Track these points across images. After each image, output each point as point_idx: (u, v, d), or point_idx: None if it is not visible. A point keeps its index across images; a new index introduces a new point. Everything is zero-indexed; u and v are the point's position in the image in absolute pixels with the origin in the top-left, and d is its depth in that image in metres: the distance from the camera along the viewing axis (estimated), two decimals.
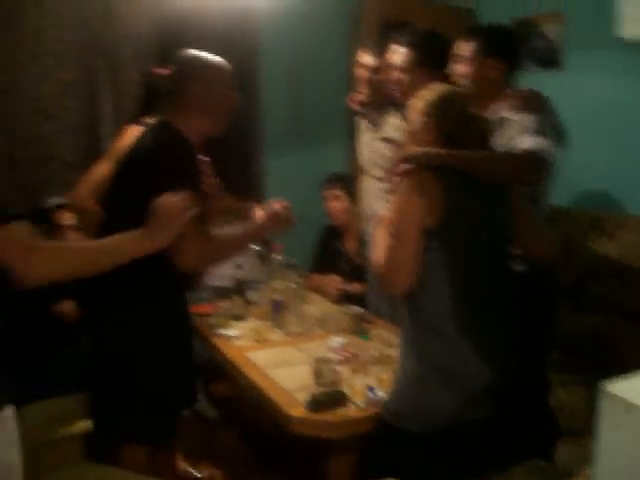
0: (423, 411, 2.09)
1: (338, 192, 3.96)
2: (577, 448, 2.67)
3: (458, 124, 2.17)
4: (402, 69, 3.10)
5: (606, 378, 1.04)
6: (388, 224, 2.09)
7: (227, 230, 2.48)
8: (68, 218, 3.56)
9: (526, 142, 2.43)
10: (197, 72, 2.33)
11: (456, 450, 2.08)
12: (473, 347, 2.07)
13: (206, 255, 2.25)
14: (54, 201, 3.91)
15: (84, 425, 2.74)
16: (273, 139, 5.15)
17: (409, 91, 3.06)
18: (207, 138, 2.39)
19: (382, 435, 2.19)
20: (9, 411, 1.74)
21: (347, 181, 4.03)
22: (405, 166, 2.08)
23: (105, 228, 2.36)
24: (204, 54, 2.39)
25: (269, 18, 4.93)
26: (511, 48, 2.82)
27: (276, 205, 2.57)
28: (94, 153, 4.48)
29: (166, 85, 2.40)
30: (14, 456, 1.77)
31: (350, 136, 5.39)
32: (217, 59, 2.40)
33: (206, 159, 2.49)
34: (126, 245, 1.97)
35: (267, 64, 5.07)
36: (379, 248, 2.12)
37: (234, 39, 4.93)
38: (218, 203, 2.70)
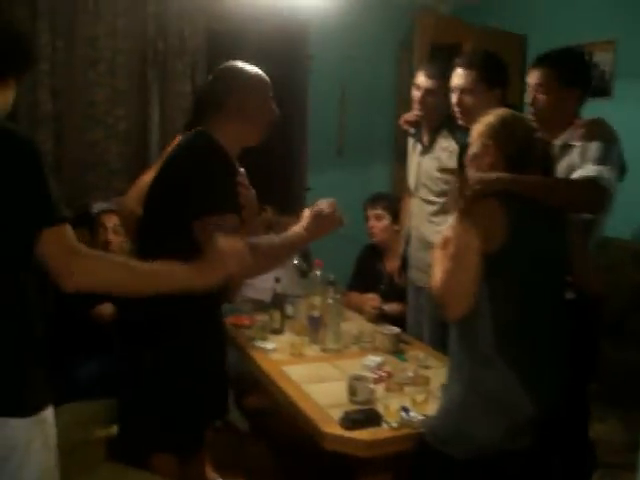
0: (466, 437, 2.06)
1: (380, 211, 3.96)
2: None
3: (520, 148, 2.15)
4: (462, 90, 3.10)
5: None
6: (447, 247, 2.08)
7: (270, 237, 2.42)
8: (114, 221, 3.61)
9: (589, 170, 2.40)
10: (236, 83, 2.32)
11: (496, 478, 2.06)
12: (524, 377, 2.04)
13: (249, 264, 2.15)
14: (100, 206, 3.97)
15: (109, 430, 2.76)
16: (318, 156, 5.19)
17: (471, 113, 3.07)
18: (245, 149, 2.39)
19: (422, 455, 2.17)
20: (49, 412, 1.76)
21: (390, 201, 4.03)
22: (469, 191, 2.06)
23: (141, 235, 2.41)
24: (244, 65, 2.38)
25: (320, 37, 4.99)
26: (587, 76, 2.80)
27: (323, 204, 2.46)
28: (140, 161, 4.58)
29: (206, 96, 2.40)
30: (52, 459, 1.78)
31: (395, 157, 5.42)
32: (256, 70, 2.38)
33: (242, 170, 2.48)
34: (174, 278, 1.91)
35: (316, 82, 5.12)
36: (437, 271, 2.11)
37: (284, 56, 4.99)
38: (254, 215, 2.65)
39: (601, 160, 2.44)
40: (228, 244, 1.99)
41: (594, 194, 2.34)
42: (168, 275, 1.91)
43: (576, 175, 2.43)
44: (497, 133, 2.14)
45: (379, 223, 3.95)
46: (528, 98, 2.74)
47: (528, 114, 2.64)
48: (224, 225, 2.10)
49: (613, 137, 2.57)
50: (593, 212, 2.47)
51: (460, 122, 3.17)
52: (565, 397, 2.15)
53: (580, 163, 2.47)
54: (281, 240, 2.39)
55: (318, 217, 2.40)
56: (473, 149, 2.22)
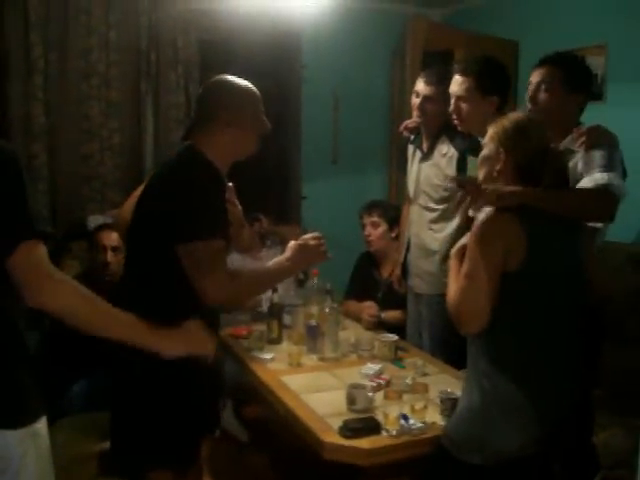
0: (483, 444, 2.06)
1: (376, 219, 3.95)
2: None
3: (532, 158, 2.10)
4: (459, 97, 3.11)
5: None
6: (462, 258, 2.06)
7: (254, 267, 2.41)
8: (113, 239, 3.53)
9: (598, 178, 2.39)
10: (226, 97, 2.32)
11: None
12: (543, 385, 2.05)
13: (232, 291, 2.20)
14: (96, 219, 3.96)
15: (102, 445, 2.75)
16: (313, 165, 5.19)
17: (467, 120, 3.08)
18: (236, 163, 2.39)
19: (440, 462, 2.17)
20: (43, 423, 1.76)
21: (385, 208, 4.03)
22: (487, 205, 2.03)
23: (129, 250, 2.41)
24: (233, 78, 2.37)
25: (312, 46, 5.00)
26: (590, 83, 2.80)
27: (308, 237, 2.45)
28: (135, 173, 4.58)
29: (197, 110, 2.40)
30: (47, 470, 1.78)
31: (390, 164, 5.43)
32: (246, 84, 2.38)
33: (230, 185, 2.48)
34: (135, 331, 1.92)
35: (309, 91, 5.12)
36: (452, 287, 2.10)
37: (278, 66, 5.01)
38: (241, 230, 2.65)
39: (607, 167, 2.43)
40: (194, 326, 2.07)
41: (606, 203, 2.31)
42: (130, 326, 1.91)
43: (584, 183, 2.40)
44: (510, 140, 2.10)
45: (375, 231, 3.95)
46: (527, 96, 2.73)
47: (526, 111, 2.63)
48: (209, 251, 2.11)
49: (615, 143, 2.57)
50: (604, 221, 2.44)
51: (459, 128, 3.18)
52: (575, 405, 2.16)
53: (585, 171, 2.46)
54: (264, 270, 2.39)
55: (303, 249, 2.39)
56: (485, 152, 2.19)
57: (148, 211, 2.28)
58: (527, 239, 1.97)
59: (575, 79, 2.67)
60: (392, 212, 3.97)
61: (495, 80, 3.06)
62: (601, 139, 2.54)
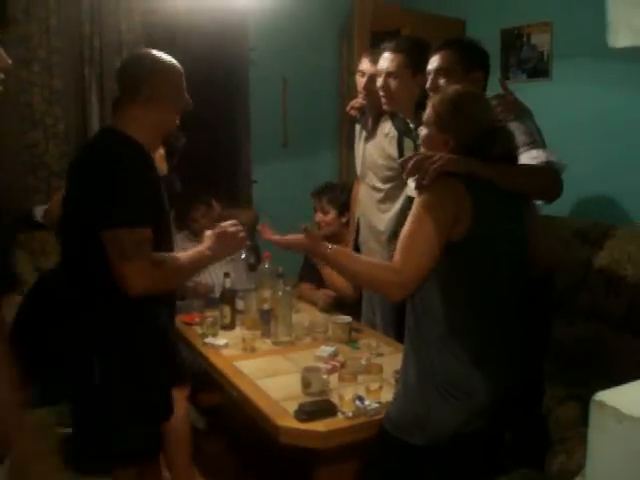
0: (422, 423, 2.02)
1: (325, 205, 3.95)
2: (566, 457, 2.66)
3: (478, 134, 2.04)
4: (389, 73, 3.12)
5: (594, 387, 1.04)
6: (407, 225, 1.99)
7: (174, 255, 2.36)
8: None
9: (535, 155, 2.39)
10: (146, 72, 2.25)
11: (455, 462, 2.04)
12: (484, 361, 2.01)
13: (153, 280, 2.14)
14: (41, 210, 3.88)
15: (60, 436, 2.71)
16: (263, 148, 5.16)
17: (398, 97, 3.10)
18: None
19: (382, 444, 2.15)
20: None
21: (335, 193, 4.01)
22: (433, 169, 1.94)
23: (63, 246, 2.36)
24: (154, 52, 2.31)
25: (260, 28, 4.95)
26: (487, 60, 2.78)
27: (226, 224, 2.43)
28: None
29: (120, 86, 2.34)
30: None
31: (340, 145, 5.42)
32: (167, 58, 2.31)
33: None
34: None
35: (257, 73, 5.08)
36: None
37: (224, 48, 4.94)
38: None
39: (531, 142, 2.44)
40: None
41: (553, 180, 2.32)
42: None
43: (523, 161, 2.37)
44: (450, 121, 2.05)
45: (325, 217, 3.96)
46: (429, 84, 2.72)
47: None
48: (132, 240, 2.07)
49: (525, 111, 2.57)
50: (553, 198, 2.43)
51: (384, 107, 3.19)
52: (522, 378, 2.15)
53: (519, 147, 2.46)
54: (185, 258, 2.32)
55: (221, 237, 2.38)
56: (425, 132, 2.14)
57: (73, 200, 2.24)
58: (472, 206, 1.94)
59: (471, 58, 2.69)
60: (343, 197, 3.95)
61: (423, 59, 3.04)
62: (513, 111, 2.53)
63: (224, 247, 2.39)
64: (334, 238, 3.95)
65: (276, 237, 2.31)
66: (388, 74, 3.14)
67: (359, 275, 2.14)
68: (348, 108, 3.70)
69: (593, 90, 4.02)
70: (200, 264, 2.40)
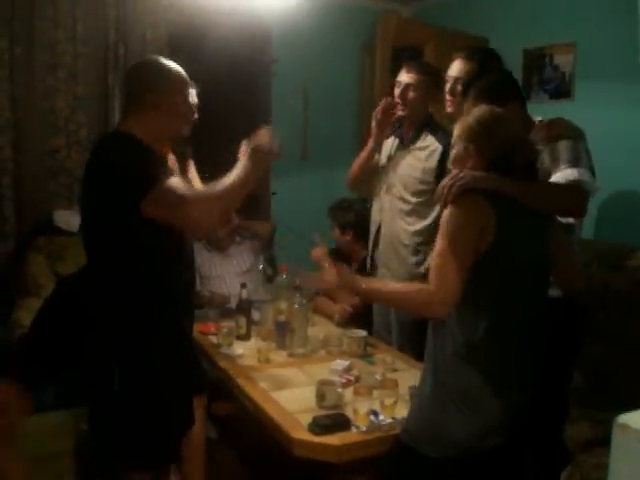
0: (439, 436, 2.04)
1: (338, 225, 3.98)
2: (580, 479, 2.64)
3: (503, 150, 2.08)
4: (407, 85, 3.30)
5: (608, 409, 1.04)
6: (437, 244, 2.01)
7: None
8: None
9: (568, 174, 2.39)
10: (152, 79, 2.27)
11: (470, 477, 2.05)
12: (503, 377, 2.03)
13: (211, 209, 2.12)
14: (63, 215, 3.91)
15: (75, 442, 2.71)
16: (282, 160, 5.15)
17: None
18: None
19: (398, 455, 2.15)
20: None
21: (356, 213, 3.99)
22: (457, 186, 1.99)
23: (88, 248, 2.35)
24: (161, 60, 2.32)
25: (282, 41, 4.98)
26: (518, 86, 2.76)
27: (260, 134, 2.35)
28: None
29: (126, 93, 2.36)
30: None
31: None
32: (173, 66, 2.32)
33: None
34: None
35: (279, 85, 5.10)
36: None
37: (247, 61, 4.97)
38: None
39: (574, 160, 2.43)
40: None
41: (577, 198, 2.32)
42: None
43: (555, 179, 2.40)
44: (476, 136, 2.08)
45: (342, 237, 3.98)
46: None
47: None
48: (168, 188, 2.07)
49: (579, 133, 2.57)
50: (575, 216, 2.43)
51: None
52: (541, 396, 2.14)
53: (552, 165, 2.46)
54: (230, 177, 2.22)
55: (256, 151, 2.29)
56: (454, 152, 2.17)
57: (92, 199, 2.25)
58: (496, 222, 1.96)
59: (510, 89, 2.66)
60: (362, 217, 3.93)
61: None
62: (564, 132, 2.54)
63: (261, 160, 2.31)
64: (349, 250, 3.98)
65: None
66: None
67: (399, 303, 2.26)
68: (377, 110, 3.59)
69: (615, 111, 4.02)
70: (247, 179, 2.25)
